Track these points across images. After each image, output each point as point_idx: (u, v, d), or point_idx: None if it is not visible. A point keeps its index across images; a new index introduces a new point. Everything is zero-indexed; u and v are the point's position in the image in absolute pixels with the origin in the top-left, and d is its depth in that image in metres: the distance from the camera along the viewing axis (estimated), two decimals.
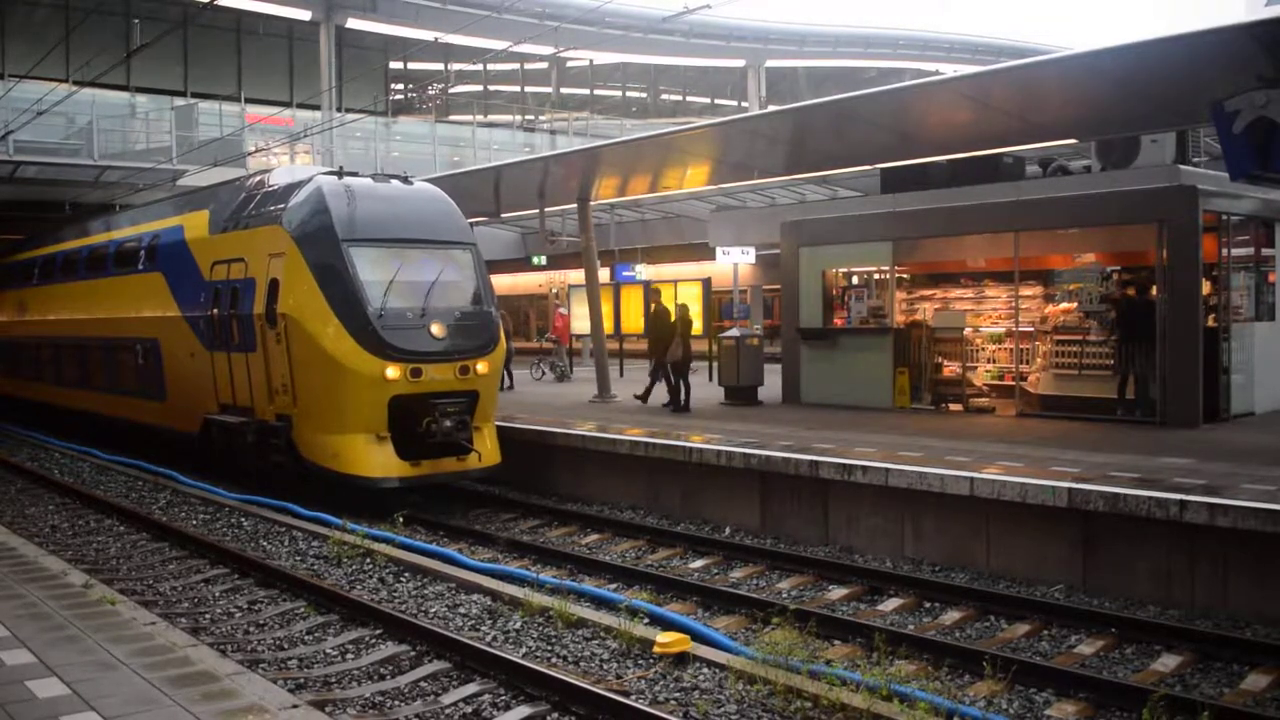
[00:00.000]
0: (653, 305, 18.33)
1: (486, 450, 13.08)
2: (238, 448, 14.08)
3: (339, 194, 13.02)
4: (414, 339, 12.50)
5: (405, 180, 14.04)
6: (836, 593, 9.51)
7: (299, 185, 13.41)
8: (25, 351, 23.29)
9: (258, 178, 15.19)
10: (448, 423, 12.44)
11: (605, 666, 7.22)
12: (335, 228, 12.66)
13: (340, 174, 13.66)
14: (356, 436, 12.36)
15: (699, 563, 10.65)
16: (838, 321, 17.51)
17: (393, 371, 12.25)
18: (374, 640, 7.96)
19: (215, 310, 14.31)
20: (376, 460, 12.35)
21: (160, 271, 16.34)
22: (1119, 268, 15.30)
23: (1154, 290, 13.91)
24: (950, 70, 32.61)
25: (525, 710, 6.53)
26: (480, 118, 37.51)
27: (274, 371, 13.05)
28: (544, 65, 39.79)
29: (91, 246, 19.94)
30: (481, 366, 12.97)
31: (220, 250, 14.51)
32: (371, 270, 12.63)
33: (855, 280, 18.30)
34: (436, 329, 12.69)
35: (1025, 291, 15.65)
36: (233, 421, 14.02)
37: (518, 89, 40.82)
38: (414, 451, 12.48)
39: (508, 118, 39.32)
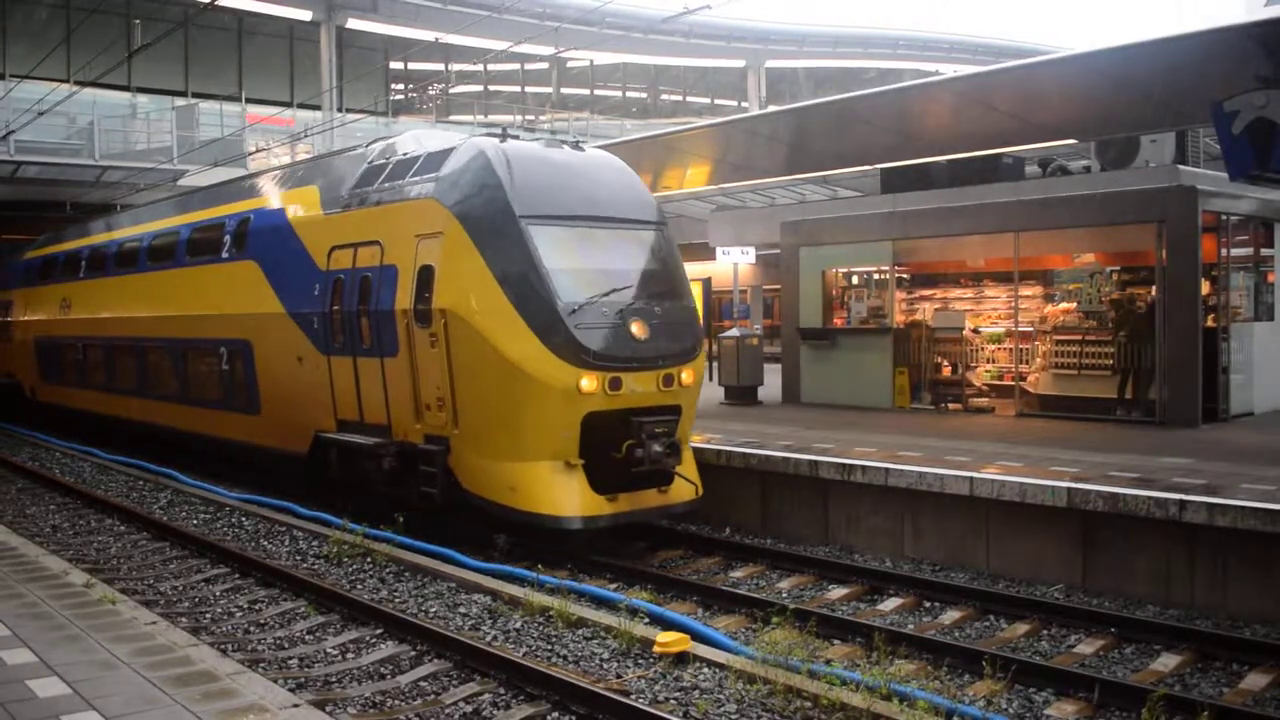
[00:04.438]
0: None
1: (691, 478, 10.67)
2: (366, 474, 11.51)
3: (508, 161, 10.54)
4: (612, 341, 10.04)
5: (576, 146, 11.60)
6: (836, 592, 9.52)
7: (450, 151, 10.98)
8: (71, 355, 20.13)
9: (379, 145, 12.82)
10: (657, 446, 9.94)
11: (605, 666, 7.23)
12: (511, 202, 10.18)
13: (503, 136, 11.05)
14: (541, 465, 9.89)
15: (700, 563, 10.65)
16: (837, 321, 17.54)
17: (588, 382, 9.82)
18: (374, 640, 7.97)
19: (335, 306, 11.88)
20: (566, 495, 9.85)
21: (253, 260, 13.71)
22: (1118, 267, 15.32)
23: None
24: (950, 70, 32.61)
25: (525, 709, 6.54)
26: (481, 118, 37.51)
27: (425, 382, 10.61)
28: (544, 65, 39.80)
29: (156, 233, 17.15)
30: (686, 375, 10.55)
31: (342, 233, 12.04)
32: (557, 255, 10.17)
33: (855, 280, 18.32)
34: (638, 329, 10.21)
35: (1025, 291, 15.67)
36: (361, 443, 11.38)
37: (518, 89, 40.84)
38: (605, 483, 10.04)
39: (508, 118, 39.33)
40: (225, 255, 14.49)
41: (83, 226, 21.48)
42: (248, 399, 13.88)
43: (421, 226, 10.70)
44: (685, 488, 10.49)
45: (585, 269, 10.38)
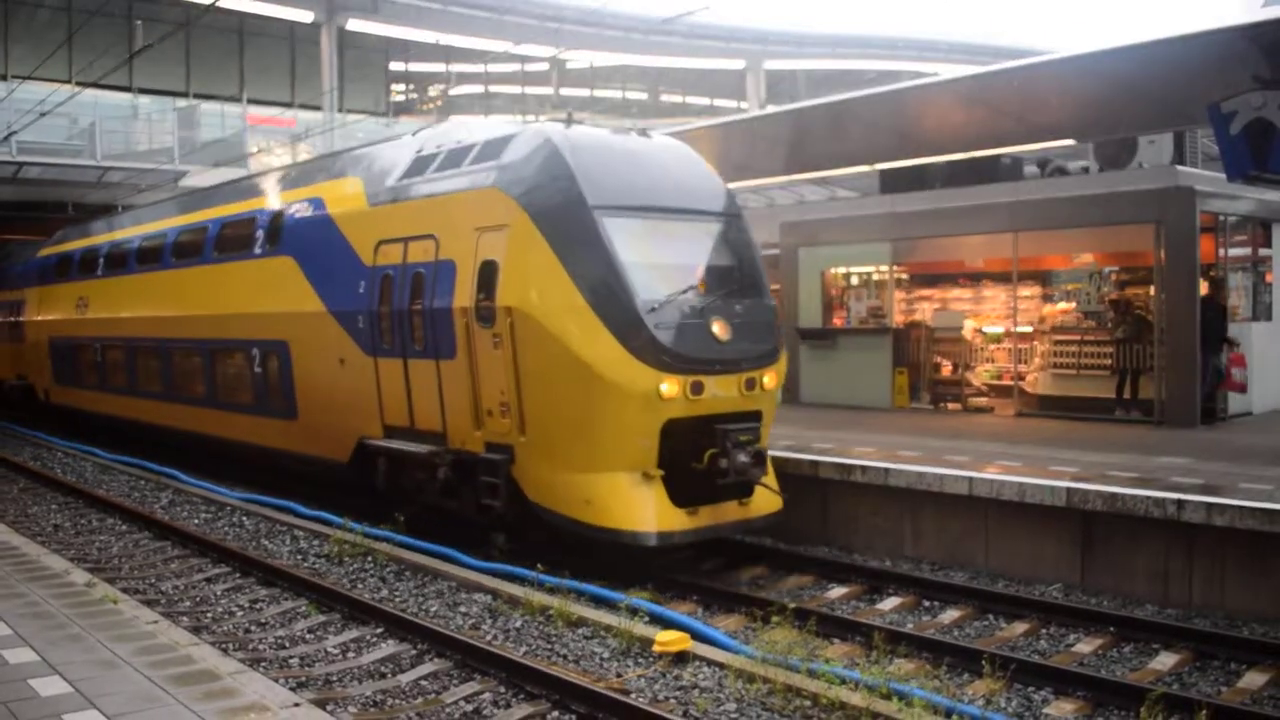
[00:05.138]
0: None
1: (775, 489, 9.99)
2: (418, 484, 10.84)
3: (579, 148, 9.85)
4: (694, 342, 9.37)
5: (642, 133, 10.99)
6: (836, 592, 9.54)
7: (511, 138, 10.28)
8: (88, 356, 19.22)
9: (425, 133, 12.13)
10: (742, 456, 9.27)
11: (605, 665, 7.25)
12: (583, 192, 9.47)
13: (568, 121, 10.41)
14: (617, 476, 9.19)
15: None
16: (837, 321, 17.57)
17: (669, 386, 9.12)
18: (375, 639, 8.00)
19: (383, 304, 11.10)
20: (644, 509, 9.13)
21: (290, 255, 12.90)
22: (1117, 268, 15.35)
23: (1226, 293, 13.91)
24: (949, 71, 32.62)
25: (525, 708, 6.56)
26: (481, 118, 37.54)
27: (486, 385, 9.87)
28: (544, 66, 39.83)
29: (180, 229, 16.30)
30: (768, 379, 9.89)
31: (390, 226, 11.24)
32: (633, 249, 9.45)
33: (854, 280, 18.35)
34: (719, 328, 9.53)
35: (1023, 292, 15.69)
36: (413, 451, 10.63)
37: (518, 90, 40.86)
38: (683, 495, 9.35)
39: (509, 118, 39.37)
40: (258, 251, 13.67)
41: (100, 223, 20.69)
42: (283, 403, 13.05)
43: (483, 218, 9.94)
44: (766, 499, 9.84)
45: (662, 264, 9.65)
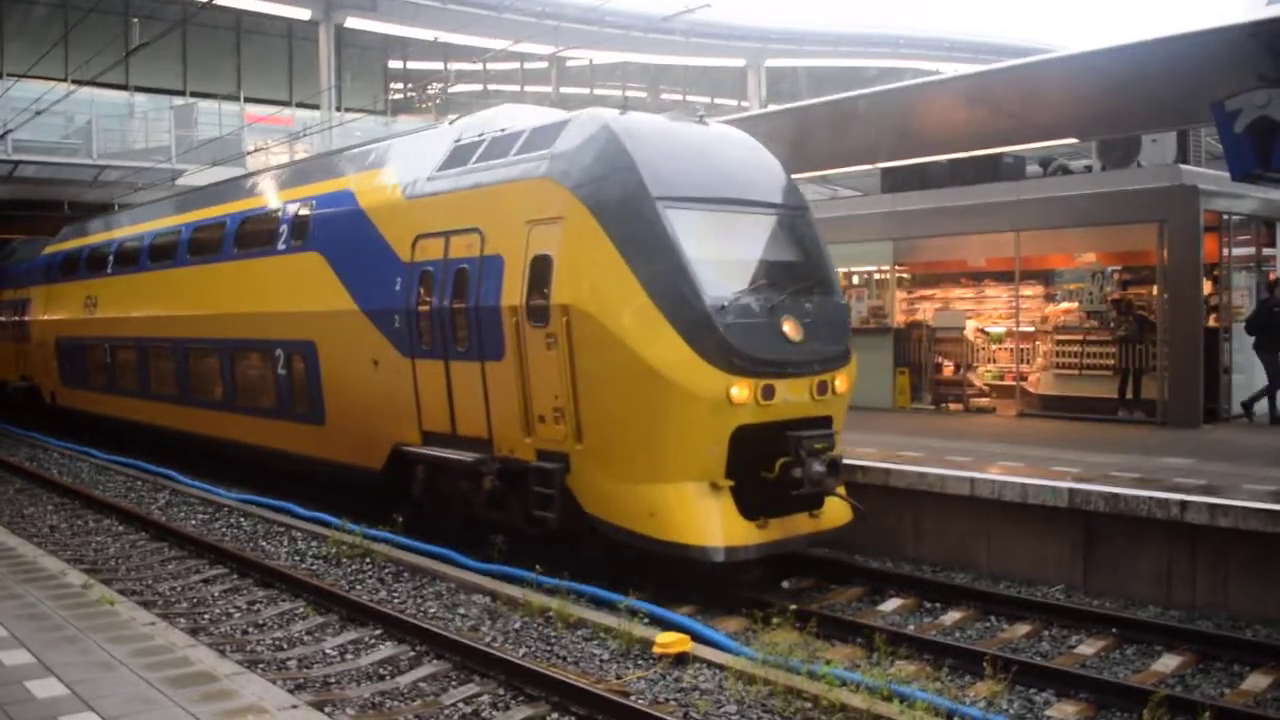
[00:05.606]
0: None
1: (842, 499, 9.42)
2: (460, 494, 10.29)
3: (638, 136, 9.30)
4: (765, 343, 8.79)
5: (700, 120, 10.36)
6: (837, 593, 9.49)
7: (563, 125, 9.72)
8: (97, 357, 18.59)
9: (463, 122, 11.57)
10: (817, 465, 8.68)
11: (605, 667, 7.21)
12: (646, 182, 8.91)
13: (624, 108, 9.96)
14: (685, 487, 8.59)
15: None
16: None
17: (739, 390, 8.54)
18: (373, 640, 7.95)
19: (422, 302, 10.53)
20: (713, 522, 8.54)
21: (317, 251, 12.29)
22: (1119, 267, 15.33)
23: None
24: (950, 70, 32.61)
25: (525, 710, 6.53)
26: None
27: (538, 390, 9.28)
28: (544, 64, 39.79)
29: (196, 224, 15.67)
30: (840, 383, 9.37)
31: (429, 219, 10.66)
32: (698, 243, 8.87)
33: (855, 280, 18.31)
34: (790, 328, 8.97)
35: (1025, 291, 15.66)
36: (456, 459, 10.05)
37: (518, 88, 40.82)
38: (752, 507, 8.76)
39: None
40: (282, 247, 13.01)
41: (110, 218, 20.16)
42: (310, 407, 12.45)
43: (534, 211, 9.36)
44: (837, 510, 9.32)
45: (729, 259, 9.13)
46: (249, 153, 25.24)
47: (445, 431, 10.40)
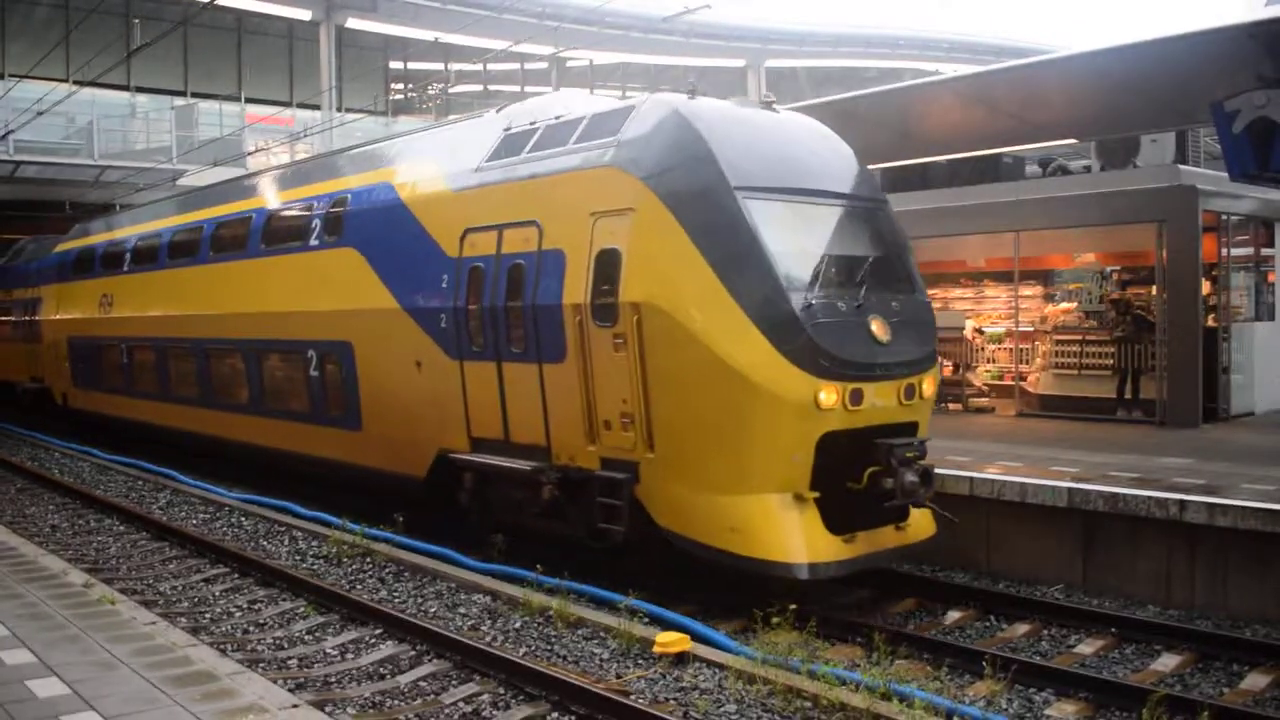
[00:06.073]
0: None
1: (926, 511, 8.87)
2: (515, 504, 9.76)
3: (713, 121, 8.74)
4: (853, 344, 8.26)
5: (769, 106, 9.71)
6: (838, 595, 9.46)
7: (629, 110, 9.14)
8: (113, 357, 17.96)
9: (512, 109, 10.97)
10: (910, 475, 8.21)
11: (605, 666, 7.23)
12: (724, 171, 8.36)
13: (692, 92, 9.18)
14: (767, 499, 8.03)
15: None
16: None
17: (827, 395, 7.99)
18: (374, 640, 7.96)
19: (472, 300, 9.96)
20: (798, 536, 7.99)
21: (353, 246, 11.68)
22: (1119, 267, 15.35)
23: None
24: (950, 70, 32.61)
25: (525, 710, 6.54)
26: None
27: (604, 393, 8.70)
28: (544, 65, 39.80)
29: (220, 219, 15.01)
30: (927, 386, 8.87)
31: (479, 212, 10.07)
32: (781, 237, 8.32)
33: None
34: (878, 328, 8.44)
35: (1025, 291, 15.67)
36: (512, 467, 9.50)
37: (518, 89, 40.84)
38: (837, 520, 8.21)
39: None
40: (314, 242, 12.37)
41: (127, 215, 19.57)
42: (345, 411, 11.85)
43: (599, 202, 8.79)
44: (923, 522, 8.82)
45: (811, 254, 8.55)
46: (250, 153, 25.27)
47: (497, 438, 9.82)
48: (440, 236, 10.47)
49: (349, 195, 12.04)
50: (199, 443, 15.61)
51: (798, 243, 8.48)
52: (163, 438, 16.78)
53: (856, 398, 8.18)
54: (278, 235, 13.43)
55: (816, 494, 8.08)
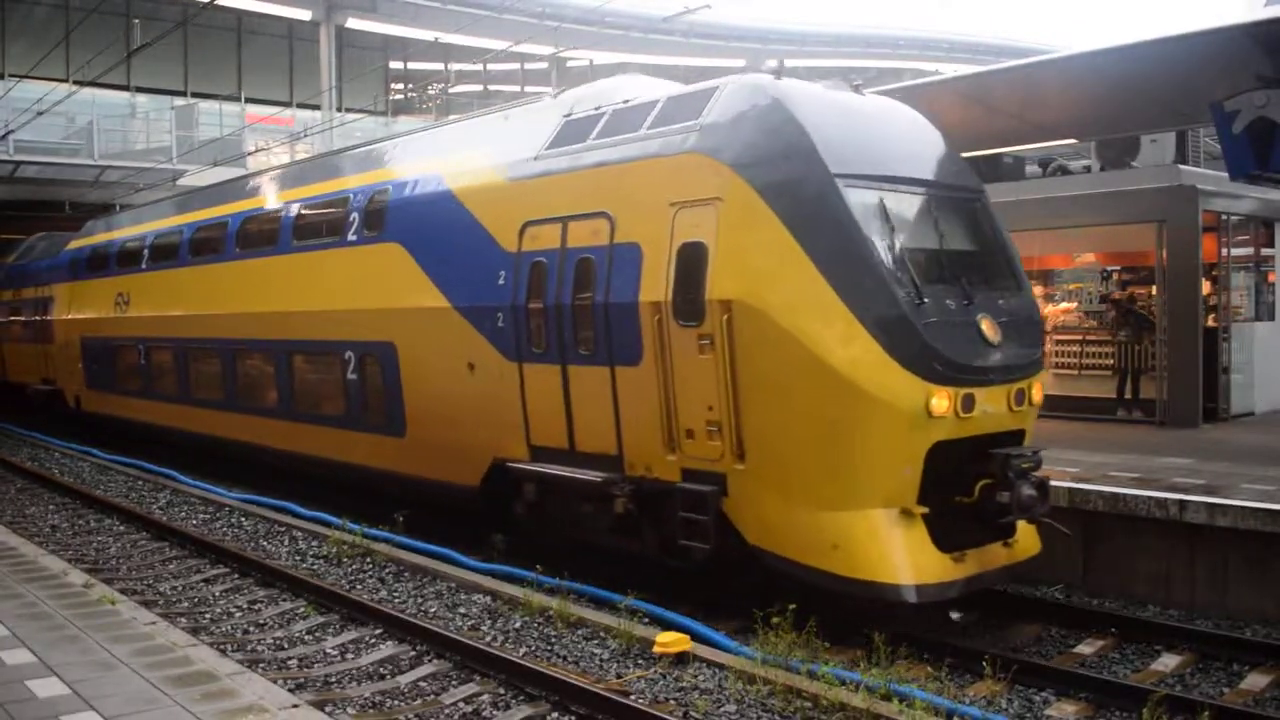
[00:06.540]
0: None
1: (1030, 526, 8.26)
2: (580, 518, 9.18)
3: (807, 103, 8.14)
4: (964, 346, 7.67)
5: (855, 89, 9.12)
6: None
7: (711, 92, 8.52)
8: (130, 359, 17.36)
9: (575, 94, 10.29)
10: (1028, 489, 7.61)
11: (605, 666, 7.23)
12: (822, 156, 7.74)
13: (779, 72, 8.58)
14: (873, 514, 7.41)
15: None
16: None
17: (940, 401, 7.41)
18: (374, 640, 7.97)
19: (533, 298, 9.33)
20: (906, 556, 7.39)
21: (397, 241, 11.04)
22: (1119, 267, 15.35)
23: None
24: (950, 70, 32.61)
25: (525, 710, 6.54)
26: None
27: (687, 399, 8.09)
28: (544, 65, 39.81)
29: (246, 214, 14.42)
30: (1036, 392, 8.27)
31: (541, 203, 9.44)
32: (886, 230, 7.76)
33: None
34: (988, 328, 7.85)
35: None
36: (579, 478, 8.88)
37: (518, 89, 40.85)
38: (945, 537, 7.60)
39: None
40: (353, 237, 11.73)
41: (144, 210, 18.96)
42: (386, 416, 11.23)
43: (681, 191, 8.16)
44: (1030, 538, 8.23)
45: (918, 247, 8.03)
46: (250, 153, 25.28)
47: (560, 446, 9.19)
48: (496, 230, 9.84)
49: (390, 187, 11.44)
50: (224, 448, 15.07)
51: (902, 235, 7.88)
52: (184, 442, 16.22)
53: (968, 404, 7.57)
54: (312, 230, 12.77)
55: (925, 509, 7.47)
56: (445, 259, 10.41)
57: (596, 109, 9.57)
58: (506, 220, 9.71)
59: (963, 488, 7.70)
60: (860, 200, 7.68)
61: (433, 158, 11.24)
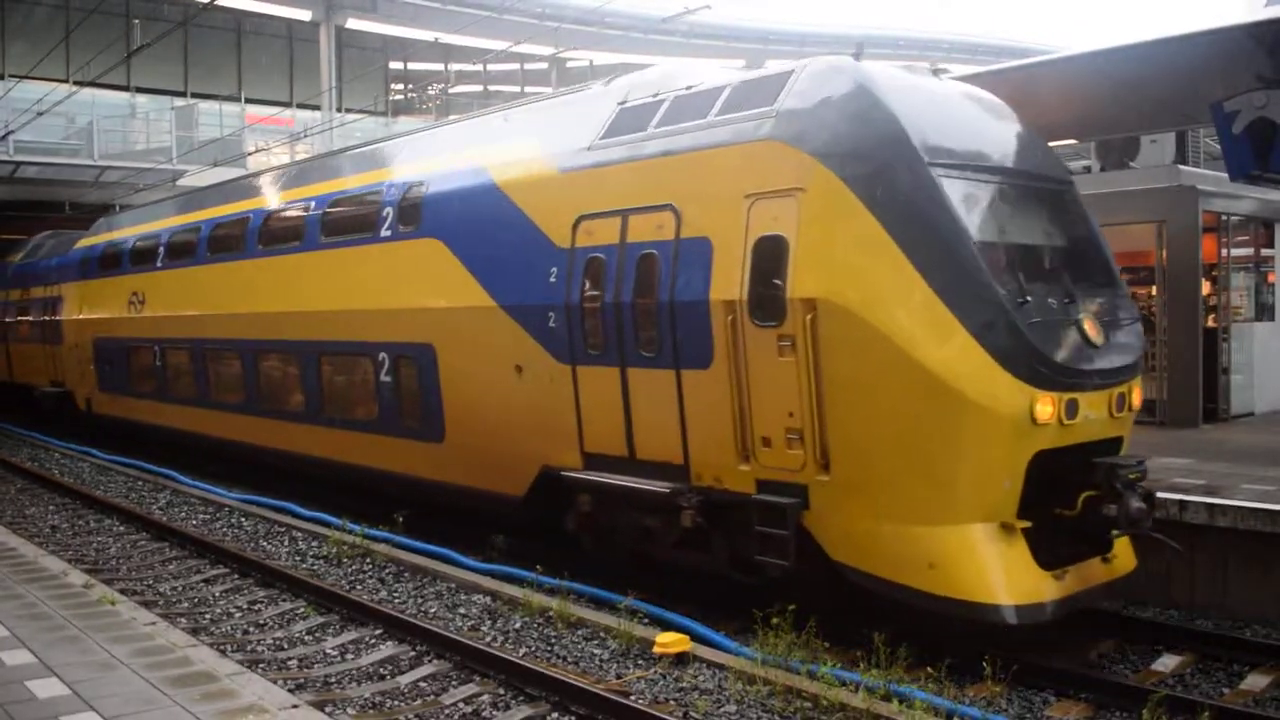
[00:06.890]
0: None
1: (1125, 540, 7.75)
2: (640, 531, 8.65)
3: (892, 89, 7.65)
4: (1068, 348, 7.25)
5: (936, 74, 8.93)
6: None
7: (787, 76, 7.97)
8: (144, 360, 16.76)
9: (629, 80, 9.74)
10: (1136, 501, 7.15)
11: (605, 666, 7.23)
12: (915, 144, 7.27)
13: (859, 54, 8.08)
14: (972, 529, 6.92)
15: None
16: None
17: (1044, 406, 6.94)
18: (374, 640, 7.97)
19: (589, 296, 8.76)
20: (1006, 574, 6.90)
21: (436, 237, 10.45)
22: (1118, 267, 15.32)
23: None
24: (950, 70, 32.65)
25: (525, 710, 6.54)
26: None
27: (764, 404, 7.57)
28: (544, 65, 39.82)
29: (270, 210, 13.86)
30: (1136, 396, 7.82)
31: (596, 196, 8.88)
32: (982, 223, 7.37)
33: None
34: (1090, 328, 7.42)
35: None
36: (639, 489, 8.34)
37: (518, 89, 40.86)
38: (1044, 553, 7.14)
39: None
40: (387, 233, 11.12)
41: (159, 206, 18.34)
42: (424, 421, 10.65)
43: (756, 182, 7.62)
44: (1127, 553, 7.76)
45: (1016, 241, 7.59)
46: (250, 153, 25.29)
47: (618, 454, 8.63)
48: (546, 224, 9.25)
49: (426, 180, 10.84)
50: (246, 453, 14.55)
51: (998, 228, 7.48)
52: (202, 446, 15.68)
53: (1071, 410, 7.10)
54: (341, 226, 12.15)
55: (1026, 523, 6.98)
56: (490, 255, 9.85)
57: (655, 95, 9.00)
58: (558, 214, 9.16)
59: (1064, 500, 7.26)
60: (955, 190, 7.23)
61: (474, 148, 10.67)
